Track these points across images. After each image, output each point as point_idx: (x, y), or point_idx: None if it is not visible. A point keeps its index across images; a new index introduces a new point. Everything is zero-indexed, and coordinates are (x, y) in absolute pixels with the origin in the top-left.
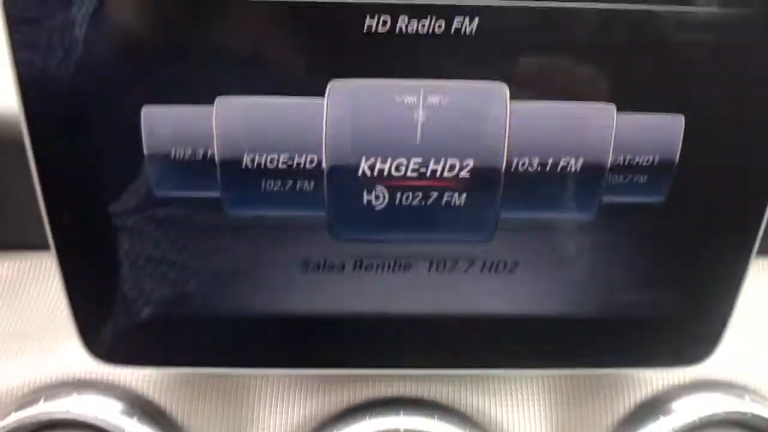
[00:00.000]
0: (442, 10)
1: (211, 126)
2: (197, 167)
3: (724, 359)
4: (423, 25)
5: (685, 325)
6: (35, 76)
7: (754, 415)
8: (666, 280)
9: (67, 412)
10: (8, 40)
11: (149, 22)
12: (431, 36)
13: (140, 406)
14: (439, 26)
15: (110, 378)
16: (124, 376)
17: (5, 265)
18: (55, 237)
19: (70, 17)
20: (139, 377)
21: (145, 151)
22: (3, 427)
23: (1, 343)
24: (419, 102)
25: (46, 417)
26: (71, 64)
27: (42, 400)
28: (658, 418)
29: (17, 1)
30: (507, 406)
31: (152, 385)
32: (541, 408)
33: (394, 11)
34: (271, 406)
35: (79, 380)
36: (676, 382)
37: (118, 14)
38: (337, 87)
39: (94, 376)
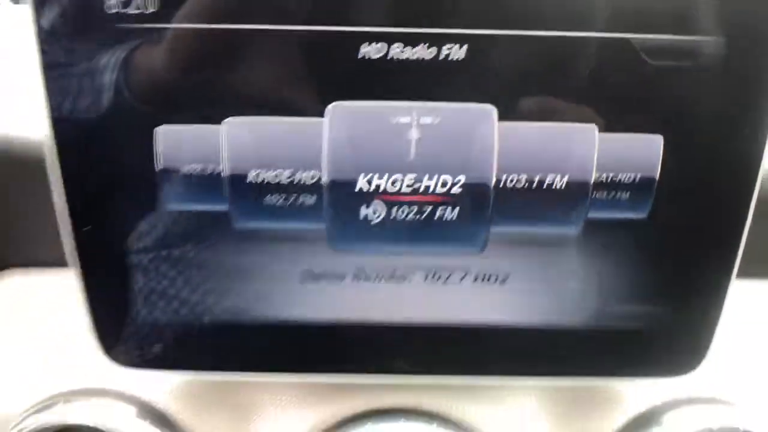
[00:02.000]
0: (433, 38)
1: (220, 144)
2: (206, 182)
3: (713, 376)
4: (415, 52)
5: (671, 336)
6: (64, 105)
7: (744, 430)
8: (652, 292)
9: (81, 417)
10: (43, 77)
11: (164, 54)
12: (423, 61)
13: (150, 412)
14: (431, 53)
15: (121, 387)
16: (134, 386)
17: (26, 281)
18: (76, 250)
19: (95, 55)
20: (149, 387)
21: (157, 168)
22: (20, 430)
23: (21, 353)
24: (412, 122)
25: (60, 421)
26: (95, 91)
27: (59, 404)
28: (651, 430)
29: (52, 47)
30: (503, 417)
31: (161, 395)
32: (535, 420)
33: (388, 39)
34: (273, 415)
35: (93, 389)
36: (667, 398)
37: (137, 49)
38: (335, 109)
39: (107, 385)
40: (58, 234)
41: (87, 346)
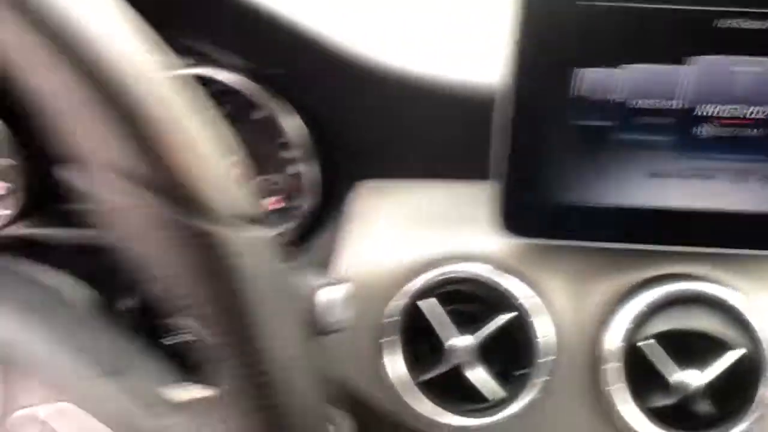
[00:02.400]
0: (764, 16)
1: (613, 81)
2: (599, 106)
3: None
4: (751, 24)
5: None
6: (523, 56)
7: None
8: None
9: (460, 271)
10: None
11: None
12: (753, 31)
13: (510, 269)
14: (761, 24)
15: (491, 253)
16: (491, 252)
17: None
18: (506, 156)
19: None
20: (510, 252)
21: (571, 95)
22: (426, 280)
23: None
24: (744, 69)
25: (446, 276)
26: (539, 55)
27: (447, 262)
28: None
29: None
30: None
31: (516, 258)
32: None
33: (734, 16)
34: (603, 274)
35: (471, 254)
36: None
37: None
38: (692, 59)
39: (480, 251)
40: (410, 155)
41: (453, 226)
